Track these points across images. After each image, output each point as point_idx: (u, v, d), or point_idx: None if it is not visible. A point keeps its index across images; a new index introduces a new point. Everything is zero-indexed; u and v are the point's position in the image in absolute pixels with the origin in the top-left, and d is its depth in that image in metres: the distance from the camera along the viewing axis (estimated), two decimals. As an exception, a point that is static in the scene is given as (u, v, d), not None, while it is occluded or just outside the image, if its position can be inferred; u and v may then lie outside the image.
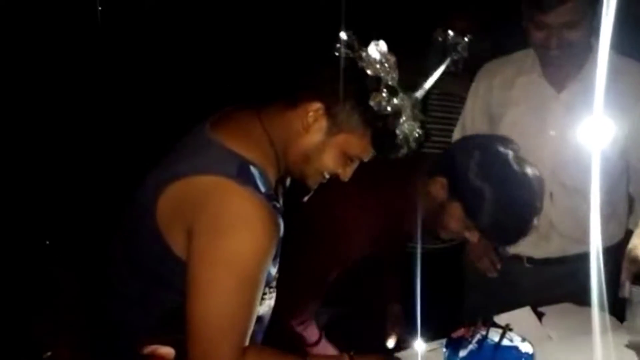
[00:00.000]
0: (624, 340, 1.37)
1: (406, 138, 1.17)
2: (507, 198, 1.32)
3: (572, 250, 1.73)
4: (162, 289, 1.17)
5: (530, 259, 1.80)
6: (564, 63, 1.68)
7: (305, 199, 1.29)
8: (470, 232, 1.38)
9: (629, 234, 1.71)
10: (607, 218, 1.68)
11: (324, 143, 1.17)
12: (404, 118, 1.15)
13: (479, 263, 1.85)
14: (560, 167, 1.70)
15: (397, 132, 1.16)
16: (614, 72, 1.59)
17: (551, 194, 1.71)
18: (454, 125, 2.03)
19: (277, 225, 1.13)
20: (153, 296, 1.19)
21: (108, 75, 3.13)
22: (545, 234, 1.73)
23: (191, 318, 1.07)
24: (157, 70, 3.20)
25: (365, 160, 1.22)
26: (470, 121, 1.93)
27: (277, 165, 1.20)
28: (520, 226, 1.37)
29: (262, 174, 1.14)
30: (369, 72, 1.14)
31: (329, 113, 1.15)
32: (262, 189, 1.12)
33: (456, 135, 1.99)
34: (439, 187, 1.37)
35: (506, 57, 1.88)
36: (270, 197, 1.14)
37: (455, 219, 1.37)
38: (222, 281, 1.07)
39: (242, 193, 1.09)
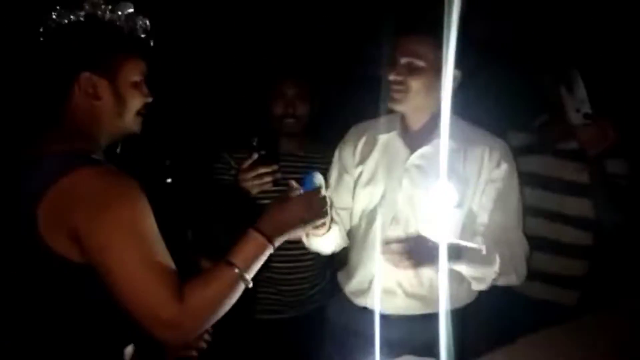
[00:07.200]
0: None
1: (136, 28, 1.32)
2: None
3: (418, 309, 1.78)
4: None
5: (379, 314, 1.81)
6: (413, 122, 1.78)
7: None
8: None
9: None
10: (459, 281, 1.75)
11: (117, 92, 1.30)
12: (123, 18, 1.31)
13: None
14: (412, 223, 1.75)
15: (123, 25, 1.31)
16: (464, 140, 1.74)
17: None
18: None
19: (134, 180, 1.22)
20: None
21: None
22: (392, 290, 1.77)
23: (122, 294, 1.16)
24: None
25: (146, 70, 1.35)
26: (336, 181, 1.94)
27: (98, 144, 1.31)
28: None
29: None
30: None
31: (97, 70, 1.27)
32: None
33: None
34: None
35: (376, 119, 1.92)
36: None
37: None
38: (125, 251, 1.15)
39: (97, 171, 1.19)
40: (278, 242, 1.36)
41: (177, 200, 2.40)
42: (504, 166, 1.74)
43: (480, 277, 1.72)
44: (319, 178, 1.52)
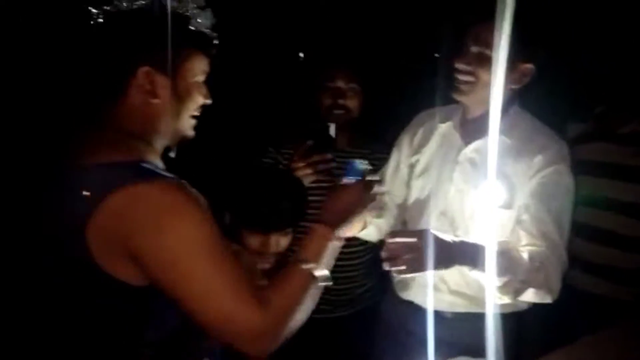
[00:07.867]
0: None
1: (204, 23, 1.19)
2: None
3: (463, 307, 1.72)
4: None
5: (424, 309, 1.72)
6: (473, 114, 1.71)
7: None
8: None
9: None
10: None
11: (177, 91, 1.16)
12: (191, 10, 1.18)
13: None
14: (460, 219, 1.69)
15: (195, 23, 1.18)
16: (520, 137, 1.66)
17: None
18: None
19: (194, 191, 1.12)
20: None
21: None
22: (435, 285, 1.69)
23: (197, 311, 1.06)
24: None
25: (208, 70, 1.23)
26: (393, 169, 1.92)
27: (153, 149, 1.20)
28: None
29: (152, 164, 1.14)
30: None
31: (156, 65, 1.13)
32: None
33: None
34: None
35: (440, 107, 1.86)
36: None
37: None
38: (195, 267, 1.06)
39: (151, 189, 1.07)
40: (341, 231, 1.32)
41: (215, 183, 2.39)
42: (555, 167, 1.61)
43: (503, 284, 1.51)
44: (361, 165, 1.47)
